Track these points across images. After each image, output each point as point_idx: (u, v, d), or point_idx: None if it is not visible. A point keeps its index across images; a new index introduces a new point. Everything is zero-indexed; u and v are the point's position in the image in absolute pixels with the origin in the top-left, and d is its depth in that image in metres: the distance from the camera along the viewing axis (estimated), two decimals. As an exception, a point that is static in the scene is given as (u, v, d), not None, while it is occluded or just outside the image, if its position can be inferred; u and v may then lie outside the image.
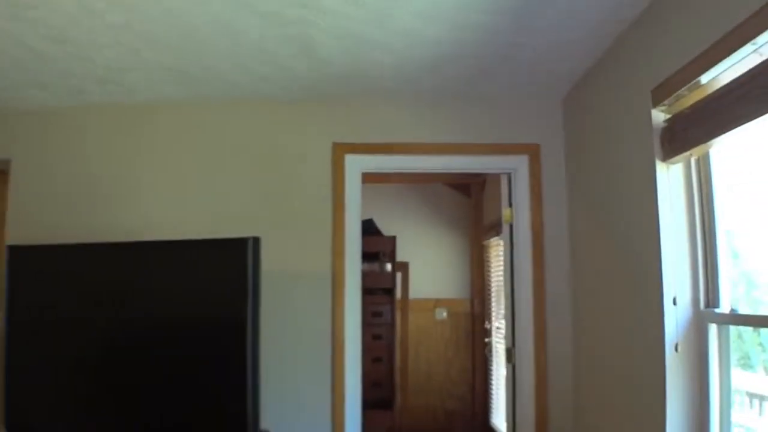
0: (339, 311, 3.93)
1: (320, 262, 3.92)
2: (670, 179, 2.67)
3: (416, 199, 7.40)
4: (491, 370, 6.81)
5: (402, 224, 7.26)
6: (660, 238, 2.63)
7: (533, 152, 3.98)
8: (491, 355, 6.77)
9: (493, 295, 6.83)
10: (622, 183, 3.04)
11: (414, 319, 7.18)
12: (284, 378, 3.79)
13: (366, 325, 6.28)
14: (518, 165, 4.00)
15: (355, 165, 4.03)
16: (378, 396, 6.34)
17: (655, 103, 2.66)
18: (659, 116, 2.68)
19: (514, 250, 4.05)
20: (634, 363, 2.89)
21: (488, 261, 6.99)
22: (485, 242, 6.97)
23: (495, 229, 6.47)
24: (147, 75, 3.48)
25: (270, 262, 3.35)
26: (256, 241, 2.95)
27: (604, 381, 3.30)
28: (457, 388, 7.19)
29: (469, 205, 7.36)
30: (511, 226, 4.11)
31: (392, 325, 6.19)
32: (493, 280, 6.81)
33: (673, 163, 2.67)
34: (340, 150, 4.00)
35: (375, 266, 6.29)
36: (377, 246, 6.32)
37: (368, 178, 4.12)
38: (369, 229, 6.42)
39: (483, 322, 7.02)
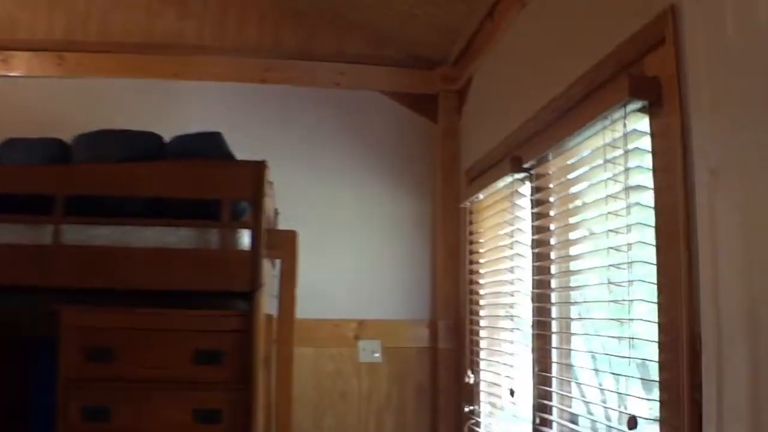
0: None
1: None
2: None
3: (331, 118, 3.69)
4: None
5: (297, 165, 3.55)
6: None
7: None
8: (478, 445, 3.09)
9: (482, 311, 3.16)
10: None
11: (310, 361, 3.44)
12: None
13: (175, 386, 2.46)
14: None
15: None
16: None
17: None
18: None
19: None
20: None
21: (473, 240, 3.31)
22: (467, 204, 3.28)
23: (491, 170, 2.85)
24: None
25: None
26: None
27: None
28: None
29: (436, 135, 3.70)
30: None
31: (246, 380, 2.41)
32: (485, 278, 3.13)
33: None
34: None
35: (209, 236, 2.51)
36: (211, 185, 2.53)
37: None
38: (202, 146, 2.70)
39: (461, 371, 3.32)
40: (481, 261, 3.16)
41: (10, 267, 2.36)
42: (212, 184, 2.53)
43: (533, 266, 2.45)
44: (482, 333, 3.12)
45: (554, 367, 2.28)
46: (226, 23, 3.65)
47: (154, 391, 2.41)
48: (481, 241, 3.19)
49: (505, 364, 2.78)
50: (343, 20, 3.64)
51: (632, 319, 1.76)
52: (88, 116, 3.05)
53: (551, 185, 2.40)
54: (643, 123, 1.79)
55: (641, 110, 1.77)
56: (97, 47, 3.55)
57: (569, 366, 2.22)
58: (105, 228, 2.44)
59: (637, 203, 1.77)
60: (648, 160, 1.76)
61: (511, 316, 2.73)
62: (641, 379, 1.77)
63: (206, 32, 3.64)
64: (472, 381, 3.15)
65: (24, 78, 3.52)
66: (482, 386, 3.09)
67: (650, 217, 1.72)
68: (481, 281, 3.16)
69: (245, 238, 2.51)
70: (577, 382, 2.20)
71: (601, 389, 2.13)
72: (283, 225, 3.16)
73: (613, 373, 1.95)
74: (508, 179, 2.66)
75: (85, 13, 3.57)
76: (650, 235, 1.71)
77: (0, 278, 2.35)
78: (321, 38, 3.69)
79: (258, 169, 2.52)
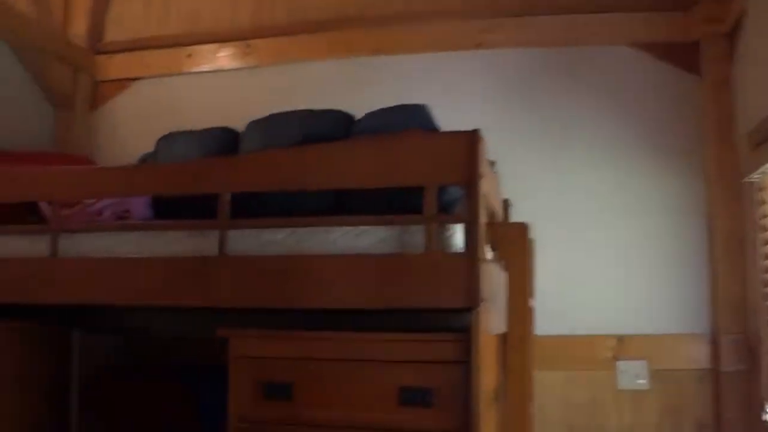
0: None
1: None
2: None
3: (565, 82, 2.98)
4: None
5: (526, 145, 2.93)
6: None
7: None
8: None
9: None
10: None
11: (557, 388, 2.76)
12: None
13: None
14: None
15: None
16: None
17: None
18: None
19: None
20: None
21: (766, 225, 2.43)
22: (754, 178, 2.41)
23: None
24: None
25: None
26: None
27: None
28: None
29: (701, 91, 2.84)
30: None
31: (467, 427, 1.79)
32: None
33: None
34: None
35: (411, 236, 1.90)
36: (408, 168, 1.89)
37: None
38: (400, 121, 2.13)
39: (756, 403, 2.45)
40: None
41: (169, 284, 1.92)
42: (409, 165, 1.91)
43: None
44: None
45: None
46: (433, -16, 3.10)
47: (348, 439, 1.87)
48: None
49: None
50: (572, -39, 2.92)
51: None
52: (279, 106, 2.61)
53: None
54: None
55: None
56: (286, 30, 3.22)
57: None
58: (278, 232, 1.93)
59: None
60: None
61: None
62: None
63: (409, -3, 3.12)
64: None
65: (211, 72, 3.24)
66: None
67: None
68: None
69: (458, 237, 1.87)
70: None
71: None
72: (514, 220, 2.52)
73: None
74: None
75: (271, -6, 3.25)
76: None
77: (158, 298, 1.93)
78: (546, -13, 3.00)
79: (471, 140, 1.85)
